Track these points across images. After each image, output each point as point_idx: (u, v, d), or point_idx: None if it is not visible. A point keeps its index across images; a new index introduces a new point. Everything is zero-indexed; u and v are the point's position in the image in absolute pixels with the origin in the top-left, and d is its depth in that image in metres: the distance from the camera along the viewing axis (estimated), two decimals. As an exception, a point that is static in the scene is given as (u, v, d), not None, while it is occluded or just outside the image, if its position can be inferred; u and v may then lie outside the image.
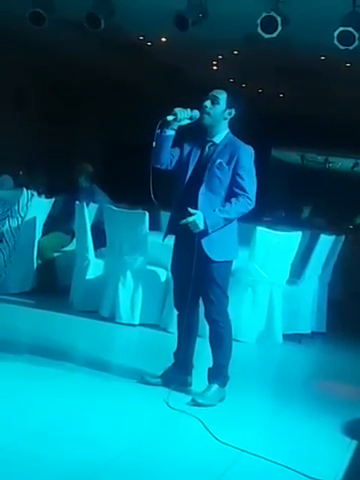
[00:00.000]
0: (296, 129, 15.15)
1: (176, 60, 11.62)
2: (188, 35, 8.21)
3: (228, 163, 4.34)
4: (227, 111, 4.40)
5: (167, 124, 4.29)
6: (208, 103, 4.37)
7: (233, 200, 4.30)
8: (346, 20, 7.51)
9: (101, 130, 14.29)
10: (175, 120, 4.29)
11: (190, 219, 4.23)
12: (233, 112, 4.41)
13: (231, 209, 4.29)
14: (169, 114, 4.28)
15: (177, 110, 4.29)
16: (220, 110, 4.38)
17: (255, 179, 4.38)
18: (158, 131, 4.29)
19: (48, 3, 8.30)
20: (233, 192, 4.32)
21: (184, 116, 4.31)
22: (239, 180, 4.32)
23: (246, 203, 4.31)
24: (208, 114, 4.37)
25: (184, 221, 4.24)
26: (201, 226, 4.23)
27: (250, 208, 4.34)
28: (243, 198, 4.30)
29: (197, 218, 4.22)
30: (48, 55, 11.71)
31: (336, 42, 7.57)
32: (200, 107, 4.38)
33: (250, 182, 4.34)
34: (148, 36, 10.65)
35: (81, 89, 13.36)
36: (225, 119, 4.42)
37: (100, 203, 7.47)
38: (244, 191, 4.30)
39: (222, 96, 4.38)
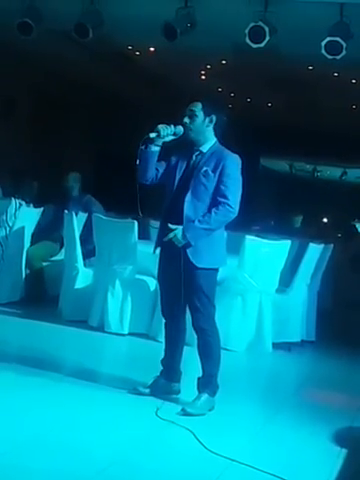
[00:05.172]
0: (284, 138, 15.22)
1: (164, 69, 11.67)
2: (176, 45, 8.24)
3: (214, 171, 4.36)
4: (207, 119, 4.42)
5: (151, 141, 4.33)
6: (186, 119, 4.42)
7: (213, 210, 4.31)
8: (334, 30, 7.55)
9: (90, 139, 14.28)
10: (158, 137, 4.34)
11: (171, 235, 4.29)
12: (214, 118, 4.43)
13: (211, 219, 4.31)
14: (152, 131, 4.32)
15: (160, 127, 4.34)
16: (199, 121, 4.41)
17: (240, 188, 4.39)
18: (142, 147, 4.33)
19: (36, 13, 8.29)
20: (216, 200, 4.34)
21: (167, 132, 4.35)
22: (222, 187, 4.33)
23: (227, 211, 4.31)
24: (190, 129, 4.41)
25: (166, 238, 4.31)
26: (182, 240, 4.28)
27: (232, 216, 4.35)
28: (223, 206, 4.30)
29: (177, 233, 4.28)
30: (37, 64, 11.72)
31: (324, 52, 7.61)
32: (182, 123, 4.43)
33: (234, 190, 4.34)
34: (137, 46, 10.68)
35: (69, 99, 13.36)
36: (208, 127, 4.43)
37: (96, 213, 7.41)
38: (226, 198, 4.31)
39: (197, 108, 4.42)
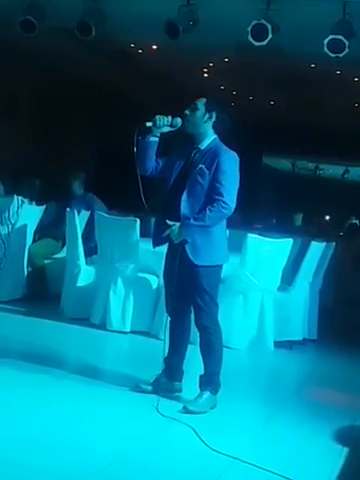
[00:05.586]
0: (287, 136, 15.22)
1: (167, 67, 11.66)
2: (179, 43, 8.23)
3: (209, 168, 4.36)
4: (207, 115, 4.42)
5: (148, 130, 4.35)
6: (187, 111, 4.45)
7: (208, 207, 4.32)
8: (336, 28, 7.55)
9: (92, 137, 14.29)
10: (154, 126, 4.36)
11: (168, 231, 4.31)
12: (214, 115, 4.43)
13: (205, 217, 4.31)
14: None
15: (156, 117, 4.36)
16: (199, 115, 4.42)
17: (235, 185, 4.38)
18: (139, 137, 4.34)
19: (39, 10, 8.30)
20: (211, 198, 4.34)
21: (164, 123, 4.37)
22: (217, 185, 4.32)
23: (221, 208, 4.30)
24: (188, 121, 4.43)
25: (164, 234, 4.34)
26: (179, 237, 4.29)
27: (227, 213, 4.34)
28: (218, 203, 4.30)
29: (174, 229, 4.30)
30: (39, 62, 11.72)
31: (326, 50, 7.61)
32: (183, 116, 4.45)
33: (229, 187, 4.33)
34: (139, 44, 10.68)
35: (72, 96, 13.36)
36: (205, 122, 4.42)
37: (98, 211, 7.41)
38: (220, 195, 4.30)
39: (200, 102, 4.44)
